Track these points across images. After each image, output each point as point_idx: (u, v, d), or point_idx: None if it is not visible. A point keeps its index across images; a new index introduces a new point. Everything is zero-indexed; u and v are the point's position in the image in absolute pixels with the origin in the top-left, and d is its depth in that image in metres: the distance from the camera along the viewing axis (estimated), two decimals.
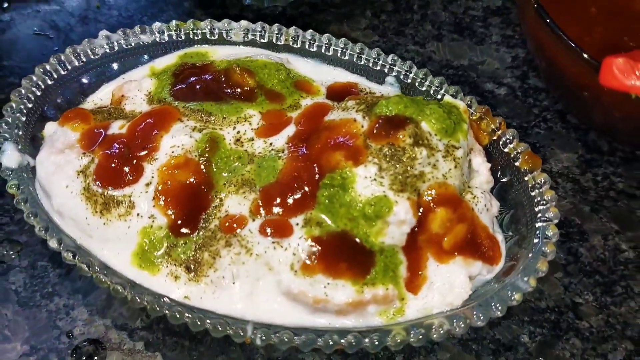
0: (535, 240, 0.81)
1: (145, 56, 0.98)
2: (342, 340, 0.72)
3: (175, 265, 0.78)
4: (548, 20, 0.88)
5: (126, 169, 0.80)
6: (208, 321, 0.73)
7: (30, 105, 0.89)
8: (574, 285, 0.92)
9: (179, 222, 0.79)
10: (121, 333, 0.85)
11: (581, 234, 0.97)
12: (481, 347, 0.86)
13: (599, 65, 0.80)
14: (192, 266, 0.78)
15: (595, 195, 1.01)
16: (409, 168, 0.77)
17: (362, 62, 0.97)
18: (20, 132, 0.87)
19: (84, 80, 0.96)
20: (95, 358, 0.83)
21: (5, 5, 1.20)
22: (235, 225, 0.79)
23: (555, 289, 0.92)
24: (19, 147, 0.85)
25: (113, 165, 0.80)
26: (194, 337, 0.84)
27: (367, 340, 0.72)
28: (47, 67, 0.92)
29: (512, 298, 0.76)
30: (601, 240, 0.97)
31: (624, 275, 0.94)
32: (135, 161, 0.81)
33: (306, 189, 0.79)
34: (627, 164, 1.05)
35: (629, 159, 1.05)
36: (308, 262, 0.76)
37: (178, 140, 0.81)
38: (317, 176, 0.80)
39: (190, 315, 0.73)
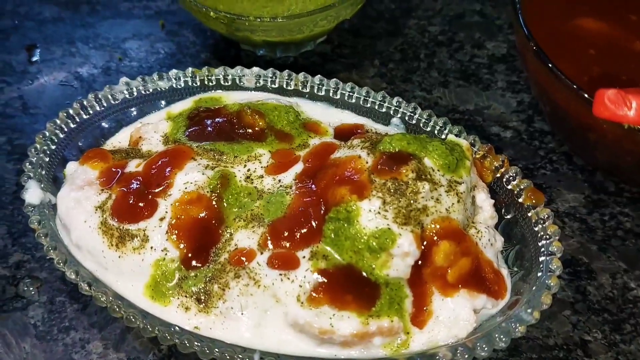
0: (539, 274, 0.83)
1: (163, 102, 1.04)
2: None
3: (186, 297, 0.81)
4: (547, 61, 0.91)
5: (141, 204, 0.84)
6: (216, 350, 0.75)
7: (53, 147, 0.94)
8: (582, 323, 0.93)
9: (190, 255, 0.82)
10: None
11: (589, 272, 0.98)
12: None
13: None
14: (202, 297, 0.80)
15: (603, 235, 1.02)
16: (412, 202, 0.80)
17: (369, 105, 1.01)
18: (43, 172, 0.91)
19: (104, 125, 1.01)
20: None
21: (35, 59, 1.27)
22: (244, 258, 0.81)
23: (563, 327, 0.92)
24: (42, 185, 0.89)
25: (129, 200, 0.84)
26: None
27: None
28: (70, 111, 0.98)
29: (516, 330, 0.77)
30: (609, 278, 0.97)
31: (633, 313, 0.94)
32: (150, 197, 0.84)
33: (313, 223, 0.82)
34: (634, 203, 1.06)
35: (636, 199, 1.06)
36: (314, 294, 0.78)
37: (191, 177, 0.85)
38: (323, 210, 0.82)
39: (199, 344, 0.75)
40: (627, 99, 0.78)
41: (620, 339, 0.91)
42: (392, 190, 0.80)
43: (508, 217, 0.91)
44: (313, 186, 0.85)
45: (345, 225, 0.80)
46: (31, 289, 0.94)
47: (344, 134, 0.96)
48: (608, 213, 1.05)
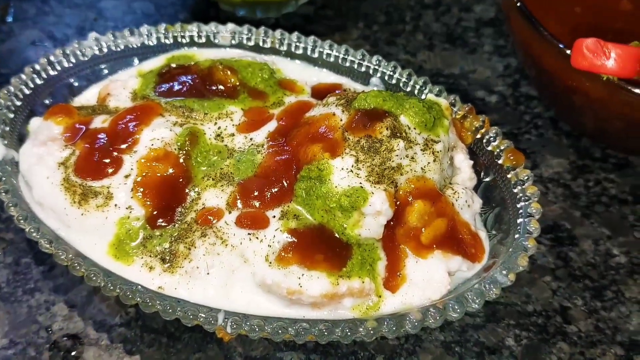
0: (516, 236, 0.80)
1: (135, 59, 1.00)
2: (314, 330, 0.71)
3: (150, 256, 0.78)
4: (533, 20, 0.88)
5: (106, 160, 0.81)
6: (179, 309, 0.72)
7: (18, 103, 0.91)
8: (562, 289, 0.90)
9: (156, 213, 0.79)
10: (100, 329, 0.84)
11: (571, 238, 0.96)
12: (465, 350, 0.84)
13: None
14: (167, 257, 0.78)
15: (587, 201, 1.00)
16: (386, 160, 0.77)
17: (347, 64, 0.98)
18: (7, 128, 0.88)
19: (74, 82, 0.97)
20: (73, 353, 0.82)
21: (10, 19, 1.23)
22: (211, 217, 0.79)
23: (543, 293, 0.90)
24: (5, 142, 0.86)
25: (93, 157, 0.81)
26: (172, 334, 0.83)
27: (338, 330, 0.71)
28: (37, 67, 0.94)
29: (491, 291, 0.74)
30: (592, 245, 0.95)
31: (615, 280, 0.91)
32: (115, 153, 0.81)
33: (284, 182, 0.79)
34: (619, 169, 1.03)
35: (622, 165, 1.04)
36: (283, 253, 0.75)
37: (158, 134, 0.82)
38: (295, 169, 0.80)
39: (161, 303, 0.72)
40: (606, 48, 0.75)
41: (601, 306, 0.89)
42: (365, 148, 0.77)
43: (487, 179, 0.88)
44: (285, 145, 0.82)
45: (317, 183, 0.77)
46: None
47: (322, 93, 0.92)
48: (593, 179, 1.02)
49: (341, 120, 0.80)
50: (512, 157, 0.86)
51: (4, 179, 0.82)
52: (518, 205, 0.82)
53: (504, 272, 0.76)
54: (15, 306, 0.85)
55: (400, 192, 0.78)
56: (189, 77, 0.91)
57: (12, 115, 0.89)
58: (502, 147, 0.87)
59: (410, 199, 0.78)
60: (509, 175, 0.85)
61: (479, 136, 0.89)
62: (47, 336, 0.83)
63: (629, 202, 1.00)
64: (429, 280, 0.78)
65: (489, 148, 0.88)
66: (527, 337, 0.85)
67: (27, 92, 0.92)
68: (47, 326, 0.84)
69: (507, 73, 1.15)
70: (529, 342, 0.85)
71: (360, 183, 0.76)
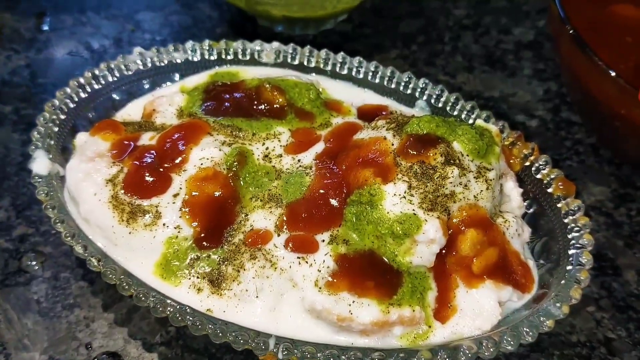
0: (569, 267, 0.79)
1: (177, 75, 0.99)
2: (366, 359, 0.69)
3: (198, 277, 0.77)
4: (585, 47, 0.87)
5: (155, 179, 0.80)
6: (230, 333, 0.71)
7: (62, 117, 0.90)
8: (606, 320, 0.89)
9: (204, 234, 0.78)
10: (140, 347, 0.83)
11: (614, 268, 0.94)
12: None
13: (637, 90, 0.79)
14: (215, 279, 0.77)
15: (629, 230, 0.99)
16: (439, 187, 0.76)
17: (393, 86, 0.97)
18: (52, 142, 0.87)
19: (115, 96, 0.97)
20: None
21: (46, 28, 1.22)
22: (259, 239, 0.78)
23: (587, 323, 0.89)
24: (50, 156, 0.85)
25: (142, 174, 0.80)
26: (213, 354, 0.82)
27: None
28: (82, 80, 0.94)
29: (544, 324, 0.73)
30: (635, 275, 0.94)
31: None
32: (163, 172, 0.81)
33: (333, 205, 0.78)
34: None
35: None
36: (333, 279, 0.74)
37: (207, 153, 0.81)
38: (344, 193, 0.79)
39: (212, 326, 0.71)
40: None
41: None
42: (418, 174, 0.76)
43: (536, 207, 0.87)
44: (334, 167, 0.81)
45: (368, 208, 0.76)
46: (35, 263, 0.90)
47: (368, 114, 0.91)
48: (635, 208, 1.01)
49: (392, 144, 0.79)
50: (562, 186, 0.85)
51: (50, 194, 0.81)
52: (569, 236, 0.81)
53: (557, 304, 0.74)
54: (54, 322, 0.85)
55: (453, 220, 0.77)
56: (236, 96, 0.90)
57: (56, 129, 0.89)
58: (552, 176, 0.86)
59: (462, 228, 0.77)
60: (559, 205, 0.84)
61: (527, 163, 0.88)
62: (87, 353, 0.82)
63: None
64: (480, 311, 0.76)
65: (539, 176, 0.87)
66: None
67: (71, 105, 0.92)
68: (87, 343, 0.83)
69: (547, 97, 1.14)
70: None
71: (414, 210, 0.75)
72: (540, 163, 0.87)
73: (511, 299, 0.78)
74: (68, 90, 0.93)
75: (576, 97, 1.02)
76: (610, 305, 0.91)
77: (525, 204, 0.87)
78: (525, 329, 0.73)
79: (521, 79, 1.17)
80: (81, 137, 0.88)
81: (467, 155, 0.79)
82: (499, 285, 0.77)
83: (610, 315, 0.90)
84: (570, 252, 0.80)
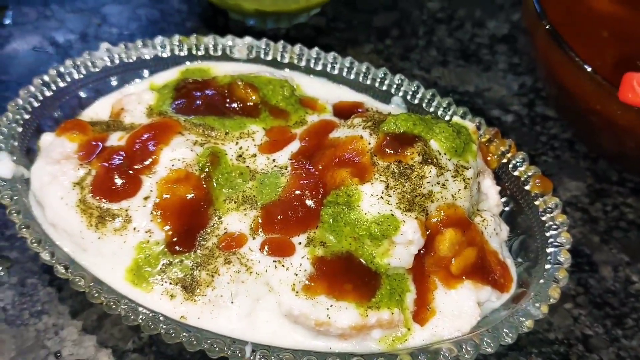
0: (547, 266, 0.78)
1: (146, 71, 0.96)
2: None
3: (171, 283, 0.75)
4: (561, 42, 0.86)
5: (124, 181, 0.77)
6: (205, 341, 0.69)
7: (27, 117, 0.87)
8: (583, 317, 0.89)
9: (176, 238, 0.76)
10: (111, 355, 0.80)
11: (591, 264, 0.94)
12: None
13: (613, 86, 0.78)
14: (189, 285, 0.74)
15: (605, 226, 0.99)
16: (417, 187, 0.74)
17: (368, 82, 0.95)
18: (16, 143, 0.84)
19: (82, 94, 0.93)
20: None
21: (8, 22, 1.18)
22: (234, 243, 0.76)
23: (564, 320, 0.88)
24: (14, 158, 0.82)
25: (111, 177, 0.77)
26: None
27: None
28: (46, 78, 0.90)
29: (523, 324, 0.72)
30: (611, 271, 0.94)
31: (635, 308, 0.90)
32: (133, 174, 0.78)
33: (310, 206, 0.77)
34: (636, 194, 1.02)
35: (639, 190, 1.03)
36: (310, 282, 0.72)
37: (179, 154, 0.79)
38: (321, 194, 0.77)
39: (186, 334, 0.69)
40: None
41: (622, 334, 0.88)
42: (396, 174, 0.75)
43: (513, 205, 0.87)
44: (310, 167, 0.79)
45: (345, 209, 0.74)
46: (0, 269, 0.86)
47: (344, 111, 0.90)
48: (611, 203, 1.01)
49: (369, 143, 0.78)
50: (539, 184, 0.84)
51: (15, 197, 0.78)
52: (547, 234, 0.81)
53: (537, 304, 0.74)
54: (22, 330, 0.81)
55: (431, 220, 0.75)
56: (208, 93, 0.87)
57: (20, 130, 0.85)
58: (529, 173, 0.85)
59: (440, 228, 0.75)
60: (536, 203, 0.84)
61: (504, 161, 0.87)
62: None
63: None
64: (459, 312, 0.75)
65: (516, 173, 0.86)
66: None
67: (36, 104, 0.88)
68: (57, 352, 0.80)
69: (522, 92, 1.14)
70: None
71: (391, 210, 0.73)
72: (518, 160, 0.87)
73: (490, 299, 0.78)
74: (32, 88, 0.89)
75: (552, 91, 1.02)
76: (587, 302, 0.91)
77: (502, 201, 0.86)
78: (505, 330, 0.72)
79: (496, 74, 1.16)
80: (46, 138, 0.85)
81: (445, 154, 0.77)
82: (477, 286, 0.77)
83: (588, 312, 0.89)
84: (549, 250, 0.80)
